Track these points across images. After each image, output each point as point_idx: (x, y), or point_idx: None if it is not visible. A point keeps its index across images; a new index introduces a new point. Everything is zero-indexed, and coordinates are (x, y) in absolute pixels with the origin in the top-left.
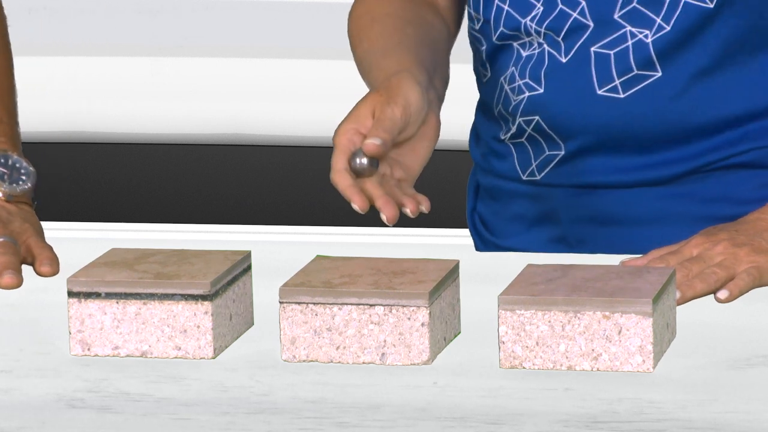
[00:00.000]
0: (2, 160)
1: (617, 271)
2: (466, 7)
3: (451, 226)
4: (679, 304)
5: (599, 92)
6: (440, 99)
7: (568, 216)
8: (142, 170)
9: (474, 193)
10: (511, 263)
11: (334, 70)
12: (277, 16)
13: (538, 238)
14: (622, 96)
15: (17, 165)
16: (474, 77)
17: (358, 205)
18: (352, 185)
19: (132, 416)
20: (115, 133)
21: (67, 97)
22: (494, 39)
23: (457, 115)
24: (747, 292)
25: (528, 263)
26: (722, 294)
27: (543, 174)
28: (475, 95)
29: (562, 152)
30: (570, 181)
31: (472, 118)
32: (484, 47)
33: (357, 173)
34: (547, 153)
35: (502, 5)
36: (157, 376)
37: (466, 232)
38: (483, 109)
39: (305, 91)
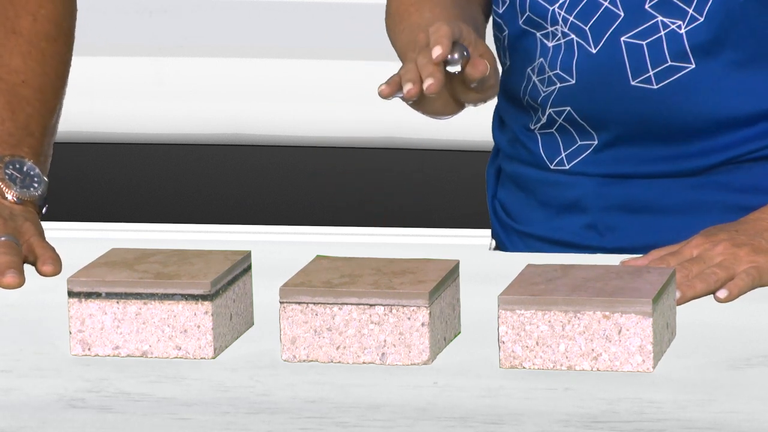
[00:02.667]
0: (17, 165)
1: (617, 271)
2: None
3: (451, 226)
4: (679, 304)
5: (633, 83)
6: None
7: (598, 204)
8: (142, 170)
9: (495, 178)
10: (511, 263)
11: (334, 70)
12: (277, 16)
13: (567, 225)
14: (655, 87)
15: (31, 172)
16: None
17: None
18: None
19: (132, 416)
20: (115, 133)
21: (68, 97)
22: (520, 23)
23: (458, 116)
24: (747, 292)
25: (528, 263)
26: (722, 294)
27: (572, 164)
28: None
29: (595, 142)
30: (600, 170)
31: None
32: (506, 33)
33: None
34: (579, 143)
35: None
36: (157, 376)
37: (466, 232)
38: (508, 97)
39: (305, 91)
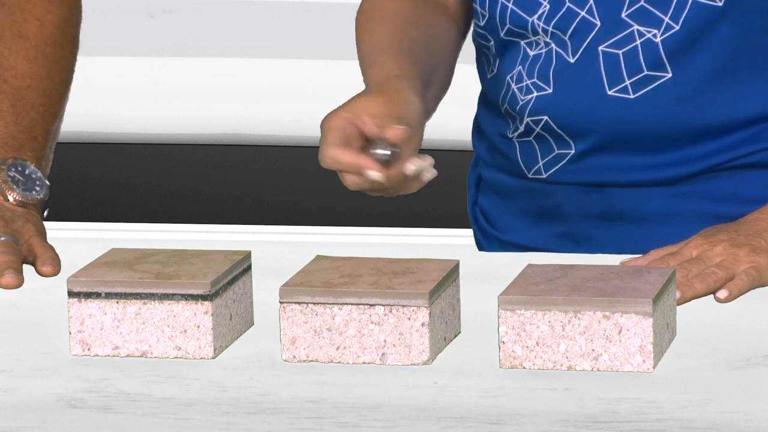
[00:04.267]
0: (20, 168)
1: (617, 271)
2: (473, 4)
3: (451, 226)
4: (678, 304)
5: (609, 93)
6: (429, 112)
7: (575, 213)
8: (142, 170)
9: (475, 186)
10: (511, 263)
11: (334, 70)
12: (277, 16)
13: (544, 233)
14: (632, 96)
15: (33, 176)
16: (475, 76)
17: (377, 171)
18: (361, 154)
19: (132, 416)
20: (115, 133)
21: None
22: (502, 35)
23: (457, 115)
24: (746, 292)
25: (528, 263)
26: (722, 294)
27: (550, 172)
28: (476, 95)
29: (573, 151)
30: (578, 179)
31: (473, 118)
32: (491, 43)
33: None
34: (557, 152)
35: (507, 3)
36: (157, 376)
37: (466, 231)
38: (487, 104)
39: (305, 91)
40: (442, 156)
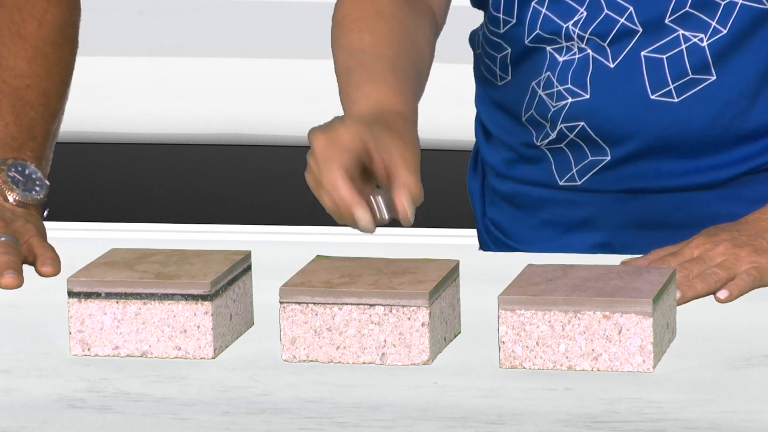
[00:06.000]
0: (20, 168)
1: (617, 271)
2: (487, 11)
3: (451, 226)
4: (679, 304)
5: (653, 97)
6: None
7: (613, 221)
8: (142, 170)
9: (481, 197)
10: (511, 263)
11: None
12: (277, 16)
13: (576, 243)
14: (676, 100)
15: (33, 176)
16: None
17: (369, 224)
18: (360, 194)
19: (132, 416)
20: (115, 133)
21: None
22: (526, 42)
23: (457, 115)
24: (747, 292)
25: (528, 263)
26: (722, 294)
27: (584, 179)
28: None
29: (608, 158)
30: (616, 186)
31: (473, 121)
32: (507, 51)
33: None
34: (591, 158)
35: (539, 8)
36: (157, 376)
37: (466, 232)
38: (502, 113)
39: (305, 91)
40: (442, 156)
